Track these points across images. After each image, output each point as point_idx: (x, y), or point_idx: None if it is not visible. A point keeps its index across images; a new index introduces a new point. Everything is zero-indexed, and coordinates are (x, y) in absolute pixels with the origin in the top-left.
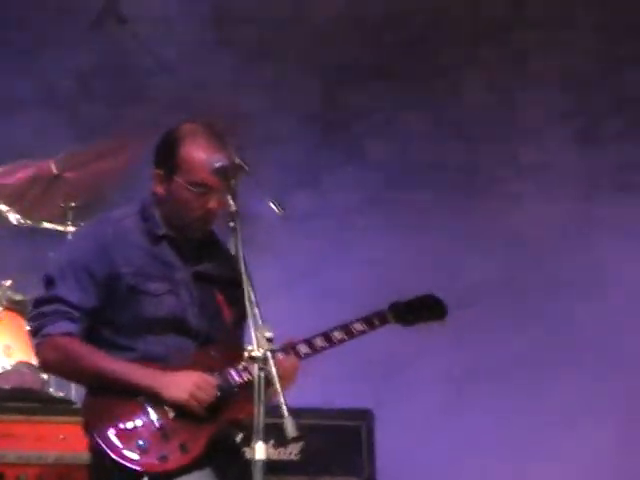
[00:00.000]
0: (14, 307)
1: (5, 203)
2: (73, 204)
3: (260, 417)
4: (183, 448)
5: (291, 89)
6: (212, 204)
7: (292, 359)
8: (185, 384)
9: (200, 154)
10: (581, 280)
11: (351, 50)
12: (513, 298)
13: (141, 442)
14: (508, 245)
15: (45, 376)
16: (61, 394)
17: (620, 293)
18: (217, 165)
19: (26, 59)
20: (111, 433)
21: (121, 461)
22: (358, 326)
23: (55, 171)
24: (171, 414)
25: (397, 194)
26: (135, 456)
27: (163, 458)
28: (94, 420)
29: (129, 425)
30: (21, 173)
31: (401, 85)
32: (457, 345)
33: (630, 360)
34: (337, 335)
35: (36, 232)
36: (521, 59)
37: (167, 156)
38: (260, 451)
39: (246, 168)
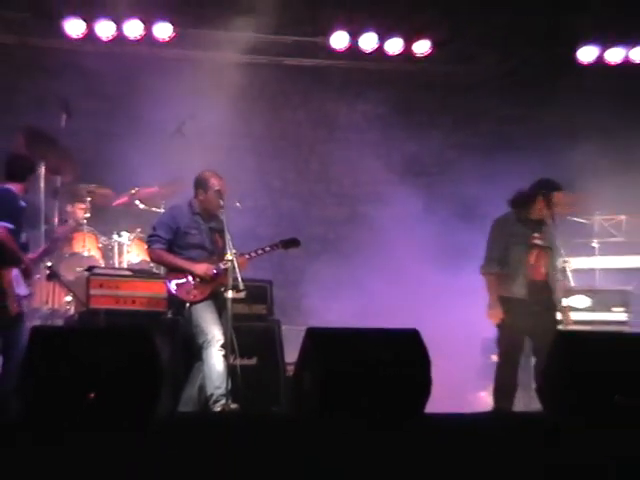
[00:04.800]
0: (141, 238)
1: (140, 201)
2: (164, 201)
3: (230, 281)
4: (202, 292)
5: None
6: (221, 202)
7: (244, 259)
8: (203, 268)
9: (216, 183)
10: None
11: None
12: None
13: (186, 289)
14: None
15: (151, 264)
16: (157, 271)
17: None
18: (217, 188)
19: None
20: (173, 284)
21: (178, 295)
22: (267, 248)
23: (157, 189)
24: (198, 279)
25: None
26: (181, 293)
27: (194, 296)
28: (168, 279)
29: (180, 282)
30: (147, 190)
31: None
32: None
33: None
34: (259, 251)
35: (150, 212)
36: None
37: (203, 184)
38: (230, 294)
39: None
